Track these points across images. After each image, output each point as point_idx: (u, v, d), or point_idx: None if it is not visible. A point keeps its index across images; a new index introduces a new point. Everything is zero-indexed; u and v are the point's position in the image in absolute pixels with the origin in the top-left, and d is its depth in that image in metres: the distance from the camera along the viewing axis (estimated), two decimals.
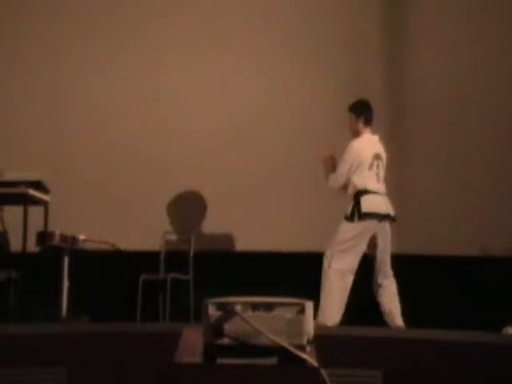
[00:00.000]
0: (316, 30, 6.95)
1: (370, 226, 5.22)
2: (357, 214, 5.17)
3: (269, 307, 2.77)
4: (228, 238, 6.51)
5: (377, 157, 5.36)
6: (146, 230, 6.57)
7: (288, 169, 6.67)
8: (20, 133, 6.83)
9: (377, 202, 5.26)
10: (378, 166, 5.34)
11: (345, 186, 5.33)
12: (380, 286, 5.32)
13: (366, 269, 6.45)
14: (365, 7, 7.04)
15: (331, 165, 5.39)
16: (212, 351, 2.80)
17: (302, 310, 2.78)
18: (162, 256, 6.23)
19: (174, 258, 6.17)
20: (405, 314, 5.68)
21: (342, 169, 5.31)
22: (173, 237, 6.28)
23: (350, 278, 5.20)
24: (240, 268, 6.28)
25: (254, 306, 2.78)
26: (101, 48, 6.98)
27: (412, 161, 6.86)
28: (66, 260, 5.79)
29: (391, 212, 5.33)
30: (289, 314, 2.76)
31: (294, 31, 6.95)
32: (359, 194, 5.22)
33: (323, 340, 2.99)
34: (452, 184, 6.70)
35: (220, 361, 2.80)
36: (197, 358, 2.85)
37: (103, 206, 6.79)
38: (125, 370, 3.20)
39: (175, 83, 6.94)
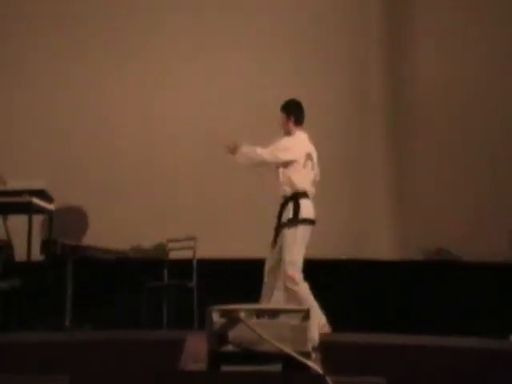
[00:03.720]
0: (316, 31, 6.96)
1: (308, 231, 5.21)
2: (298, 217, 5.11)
3: (273, 314, 2.77)
4: (232, 245, 6.49)
5: (308, 156, 5.37)
6: (149, 238, 6.56)
7: None
8: (24, 142, 6.84)
9: (312, 208, 5.24)
10: (310, 167, 5.33)
11: (281, 183, 5.23)
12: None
13: (370, 275, 6.47)
14: (365, 7, 7.05)
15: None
16: (216, 358, 2.79)
17: (306, 317, 2.77)
18: (166, 263, 6.22)
19: (178, 265, 6.16)
20: (409, 319, 5.67)
21: (283, 153, 5.20)
22: (176, 244, 6.27)
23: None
24: (244, 275, 6.26)
25: (259, 313, 2.78)
26: (105, 58, 7.00)
27: (412, 160, 6.86)
28: (70, 268, 5.78)
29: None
30: (293, 320, 2.76)
31: (294, 33, 6.96)
32: (299, 195, 5.19)
33: (328, 347, 2.99)
34: (452, 184, 6.68)
35: (224, 368, 2.79)
36: (201, 365, 2.85)
37: (107, 214, 6.79)
38: (128, 377, 3.19)
39: (179, 91, 6.95)
